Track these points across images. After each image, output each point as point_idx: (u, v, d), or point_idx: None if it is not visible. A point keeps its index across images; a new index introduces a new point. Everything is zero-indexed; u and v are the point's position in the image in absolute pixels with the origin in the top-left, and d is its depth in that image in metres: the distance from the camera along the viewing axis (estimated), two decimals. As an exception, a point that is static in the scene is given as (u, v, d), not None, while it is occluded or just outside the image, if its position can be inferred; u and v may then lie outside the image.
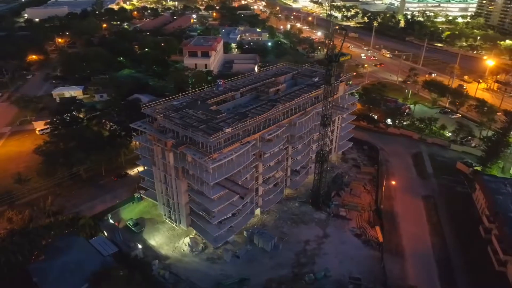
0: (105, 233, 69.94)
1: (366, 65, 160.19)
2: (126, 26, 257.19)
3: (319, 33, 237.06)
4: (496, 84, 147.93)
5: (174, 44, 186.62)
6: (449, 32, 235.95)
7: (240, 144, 62.65)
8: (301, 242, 70.28)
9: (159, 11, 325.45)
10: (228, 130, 60.31)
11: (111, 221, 73.56)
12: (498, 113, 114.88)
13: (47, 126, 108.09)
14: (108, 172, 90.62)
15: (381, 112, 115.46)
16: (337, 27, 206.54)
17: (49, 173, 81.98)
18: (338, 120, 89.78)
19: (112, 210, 77.62)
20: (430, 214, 78.04)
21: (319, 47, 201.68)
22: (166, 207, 70.56)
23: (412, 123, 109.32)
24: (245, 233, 70.31)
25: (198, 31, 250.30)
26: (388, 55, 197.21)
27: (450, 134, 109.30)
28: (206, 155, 58.17)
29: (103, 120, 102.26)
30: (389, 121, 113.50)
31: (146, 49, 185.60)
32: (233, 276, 62.04)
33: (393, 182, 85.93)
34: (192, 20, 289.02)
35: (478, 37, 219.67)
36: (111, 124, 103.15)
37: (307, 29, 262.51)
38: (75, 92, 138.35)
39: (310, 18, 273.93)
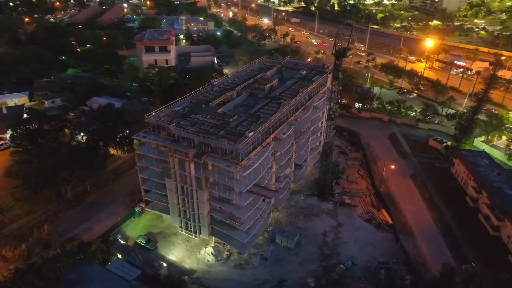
0: (119, 256, 64.80)
1: (322, 51, 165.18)
2: (52, 19, 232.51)
3: (266, 20, 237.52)
4: (438, 63, 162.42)
5: (118, 38, 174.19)
6: (382, 15, 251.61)
7: (261, 147, 61.66)
8: (318, 234, 72.14)
9: (85, 1, 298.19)
10: (251, 134, 58.91)
11: (121, 241, 68.20)
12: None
13: (2, 142, 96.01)
14: (94, 188, 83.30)
15: (351, 97, 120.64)
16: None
17: (33, 198, 73.04)
18: (326, 110, 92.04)
19: (114, 229, 71.96)
20: (421, 191, 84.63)
21: (267, 34, 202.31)
22: (183, 218, 67.25)
23: (383, 106, 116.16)
24: (265, 234, 70.15)
25: (136, 22, 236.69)
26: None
27: (414, 113, 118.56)
28: (234, 163, 56.39)
29: (76, 131, 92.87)
30: (359, 105, 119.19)
31: (88, 45, 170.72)
32: (267, 279, 61.92)
33: (383, 165, 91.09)
34: (125, 10, 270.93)
35: (409, 18, 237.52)
36: (82, 134, 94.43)
37: (249, 16, 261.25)
38: (19, 99, 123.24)
39: (253, 5, 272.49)
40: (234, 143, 56.20)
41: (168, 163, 62.45)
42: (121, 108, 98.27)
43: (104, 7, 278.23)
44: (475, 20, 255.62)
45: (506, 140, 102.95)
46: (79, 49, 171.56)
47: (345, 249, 68.74)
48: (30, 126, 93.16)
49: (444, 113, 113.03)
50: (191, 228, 67.60)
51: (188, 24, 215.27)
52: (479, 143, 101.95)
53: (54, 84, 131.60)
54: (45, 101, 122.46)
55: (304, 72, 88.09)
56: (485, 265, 64.86)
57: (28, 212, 74.94)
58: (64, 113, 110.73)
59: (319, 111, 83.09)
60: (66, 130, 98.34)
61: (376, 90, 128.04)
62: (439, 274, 56.33)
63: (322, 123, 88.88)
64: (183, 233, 69.61)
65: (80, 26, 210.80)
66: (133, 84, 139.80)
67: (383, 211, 77.61)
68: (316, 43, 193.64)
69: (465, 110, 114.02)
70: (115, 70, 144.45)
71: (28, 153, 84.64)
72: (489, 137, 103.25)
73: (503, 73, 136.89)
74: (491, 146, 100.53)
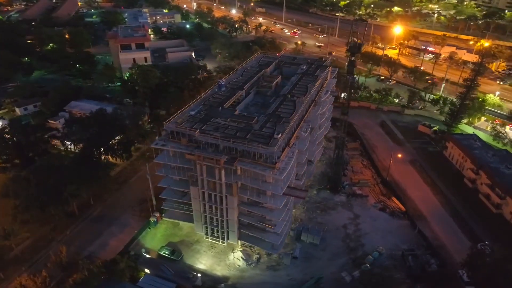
0: (147, 271, 62.07)
1: (299, 42, 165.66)
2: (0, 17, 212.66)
3: (234, 11, 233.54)
4: (408, 49, 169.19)
5: (84, 36, 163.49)
6: (344, 2, 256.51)
7: (288, 147, 61.27)
8: (339, 227, 73.51)
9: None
10: (280, 136, 58.21)
11: (146, 255, 65.25)
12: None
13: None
14: (97, 200, 78.64)
15: (338, 87, 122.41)
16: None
17: (40, 218, 67.63)
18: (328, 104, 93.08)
19: (131, 242, 68.63)
20: (423, 176, 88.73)
21: (237, 26, 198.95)
22: (209, 225, 65.50)
23: (371, 95, 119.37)
24: (291, 232, 70.31)
25: (94, 16, 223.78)
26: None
27: (397, 100, 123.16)
28: (269, 167, 55.60)
29: (69, 142, 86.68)
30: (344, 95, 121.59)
31: (50, 44, 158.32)
32: (302, 278, 62.34)
33: (382, 153, 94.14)
34: (79, 4, 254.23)
35: (372, 5, 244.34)
36: (75, 144, 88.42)
37: (215, 6, 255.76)
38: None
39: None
40: (268, 146, 55.30)
41: (193, 170, 60.28)
42: (114, 113, 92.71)
43: (54, 0, 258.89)
44: (430, 5, 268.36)
45: (485, 121, 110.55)
46: (39, 49, 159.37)
47: (368, 239, 70.67)
48: (15, 138, 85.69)
49: (428, 99, 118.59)
50: (218, 234, 66.09)
51: (154, 18, 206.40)
52: (463, 126, 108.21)
53: (22, 89, 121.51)
54: (17, 109, 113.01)
55: (305, 67, 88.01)
56: (493, 242, 69.70)
57: (32, 233, 69.34)
58: (42, 121, 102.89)
59: (325, 106, 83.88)
60: (53, 141, 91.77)
61: (361, 79, 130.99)
62: (468, 257, 59.64)
63: (326, 117, 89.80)
64: (208, 239, 67.89)
65: (34, 23, 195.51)
66: (110, 84, 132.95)
67: (394, 198, 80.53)
68: (288, 33, 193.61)
69: (443, 95, 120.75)
70: (88, 70, 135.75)
71: (19, 169, 78.25)
72: (470, 119, 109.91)
73: (470, 57, 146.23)
74: (474, 128, 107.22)
